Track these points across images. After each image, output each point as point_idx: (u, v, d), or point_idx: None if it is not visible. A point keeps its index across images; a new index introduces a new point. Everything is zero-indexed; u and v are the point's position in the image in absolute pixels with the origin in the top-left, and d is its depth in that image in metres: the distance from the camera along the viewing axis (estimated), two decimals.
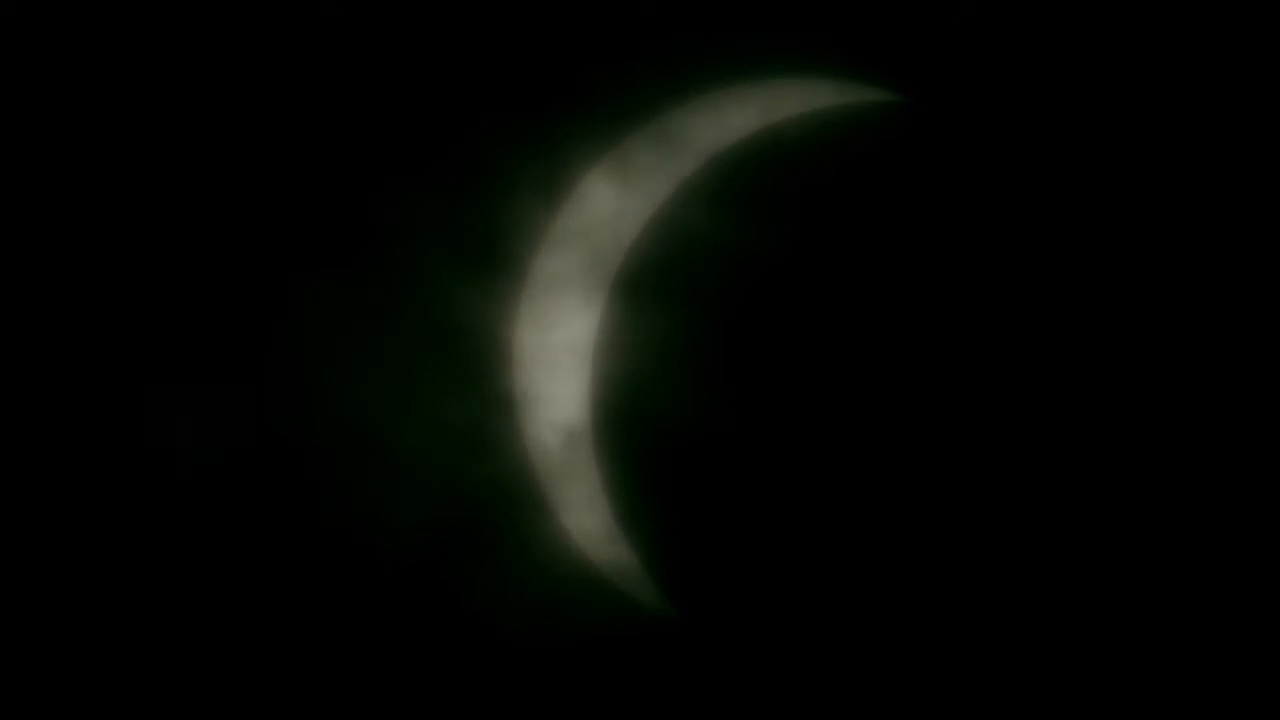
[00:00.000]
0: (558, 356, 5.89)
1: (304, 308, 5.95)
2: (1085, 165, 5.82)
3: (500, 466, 5.93)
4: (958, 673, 5.77)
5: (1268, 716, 5.68)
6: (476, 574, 5.97)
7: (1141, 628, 5.73)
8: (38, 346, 5.95)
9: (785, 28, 5.93)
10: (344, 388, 5.95)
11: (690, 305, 5.75)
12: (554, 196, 5.87)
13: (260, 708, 5.97)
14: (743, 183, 5.79)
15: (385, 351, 5.95)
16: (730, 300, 5.73)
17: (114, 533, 5.96)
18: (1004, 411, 5.71)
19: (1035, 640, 5.74)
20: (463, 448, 5.93)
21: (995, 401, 5.70)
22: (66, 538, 5.92)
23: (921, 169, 5.77)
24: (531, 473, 5.95)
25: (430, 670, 6.00)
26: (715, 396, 5.72)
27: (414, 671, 6.01)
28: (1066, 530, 5.71)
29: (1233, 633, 5.72)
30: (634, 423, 5.79)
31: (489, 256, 5.90)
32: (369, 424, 5.95)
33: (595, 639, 5.98)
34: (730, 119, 5.90)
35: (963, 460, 5.69)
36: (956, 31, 5.91)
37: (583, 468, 5.89)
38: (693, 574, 5.82)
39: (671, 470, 5.76)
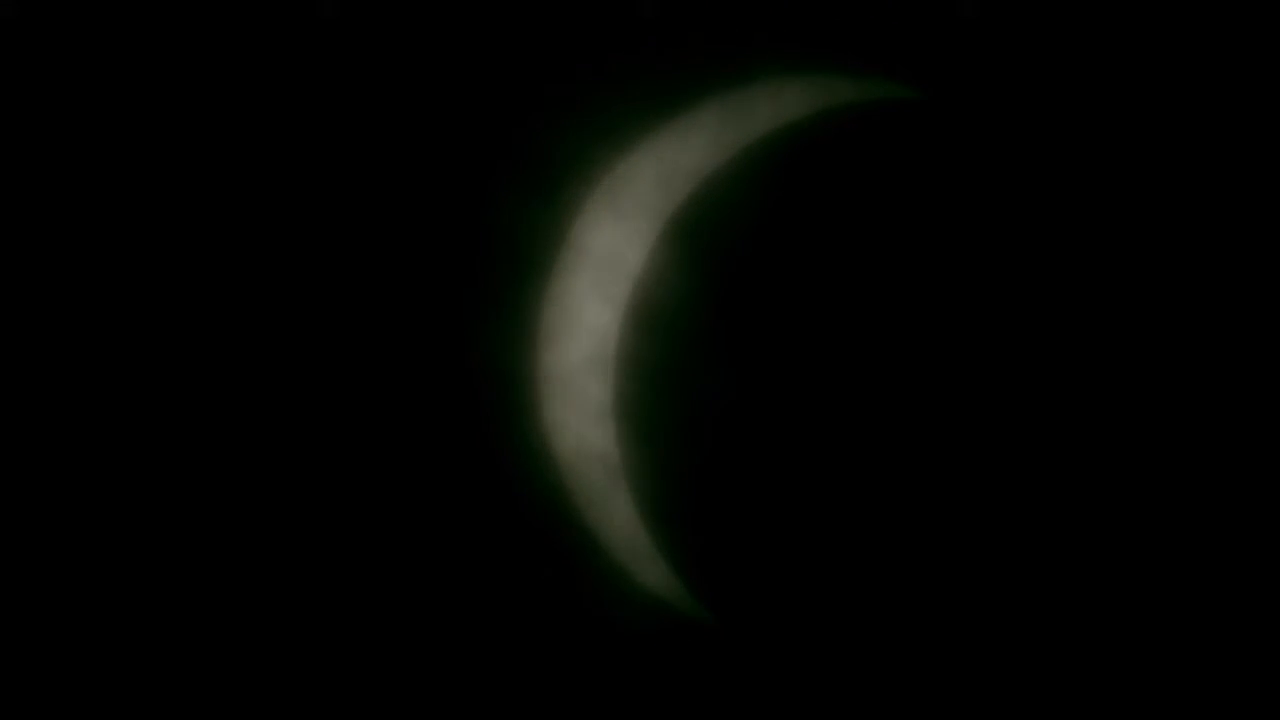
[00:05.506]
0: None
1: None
2: (1104, 163, 5.80)
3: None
4: (985, 674, 5.83)
5: (1268, 717, 5.76)
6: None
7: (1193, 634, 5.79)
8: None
9: (794, 25, 5.91)
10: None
11: (698, 306, 5.78)
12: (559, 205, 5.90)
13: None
14: (760, 180, 5.80)
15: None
16: (736, 300, 5.75)
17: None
18: (1037, 410, 5.72)
19: (1075, 641, 5.79)
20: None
21: (1033, 398, 5.72)
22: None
23: (938, 166, 5.75)
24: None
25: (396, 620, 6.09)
26: (722, 398, 5.77)
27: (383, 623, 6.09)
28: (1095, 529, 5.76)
29: (1233, 633, 5.78)
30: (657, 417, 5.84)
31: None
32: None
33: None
34: (743, 117, 5.90)
35: (984, 462, 5.72)
36: (973, 27, 5.87)
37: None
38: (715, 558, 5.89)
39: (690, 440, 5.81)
